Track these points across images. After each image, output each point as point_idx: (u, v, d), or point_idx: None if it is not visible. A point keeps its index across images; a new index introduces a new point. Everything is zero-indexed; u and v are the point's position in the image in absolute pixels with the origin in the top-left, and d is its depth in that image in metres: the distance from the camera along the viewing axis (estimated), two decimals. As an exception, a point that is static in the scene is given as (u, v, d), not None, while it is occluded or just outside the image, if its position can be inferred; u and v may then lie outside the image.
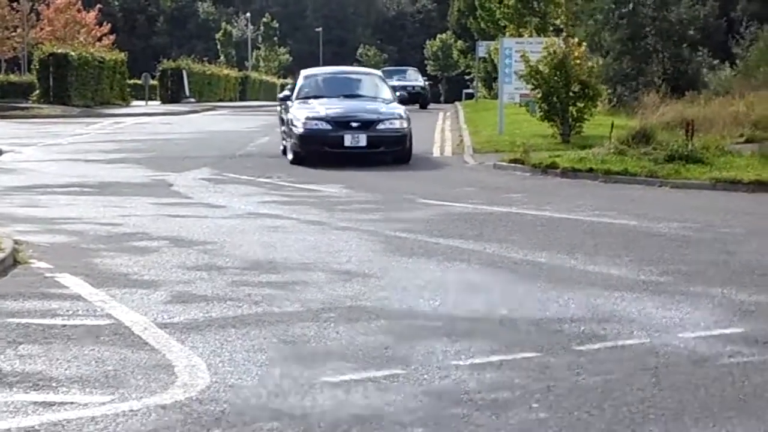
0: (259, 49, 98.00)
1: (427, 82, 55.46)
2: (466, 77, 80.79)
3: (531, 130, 29.25)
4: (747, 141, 23.76)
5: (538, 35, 36.52)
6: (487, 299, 8.95)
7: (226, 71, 74.04)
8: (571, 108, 27.40)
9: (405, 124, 22.61)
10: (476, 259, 11.18)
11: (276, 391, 6.15)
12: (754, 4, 48.84)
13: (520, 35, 37.60)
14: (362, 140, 21.66)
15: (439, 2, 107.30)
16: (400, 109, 23.62)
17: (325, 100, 23.47)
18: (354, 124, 21.89)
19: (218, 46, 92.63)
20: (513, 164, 23.85)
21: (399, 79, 52.82)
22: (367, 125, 21.95)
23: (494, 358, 6.93)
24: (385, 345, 7.32)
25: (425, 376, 6.52)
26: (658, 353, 7.15)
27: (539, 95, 27.75)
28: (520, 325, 7.95)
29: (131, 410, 5.79)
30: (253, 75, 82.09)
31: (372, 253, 11.63)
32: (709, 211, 15.97)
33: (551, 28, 38.57)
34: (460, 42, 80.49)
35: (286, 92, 25.58)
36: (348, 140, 21.63)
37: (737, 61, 43.82)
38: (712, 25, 49.56)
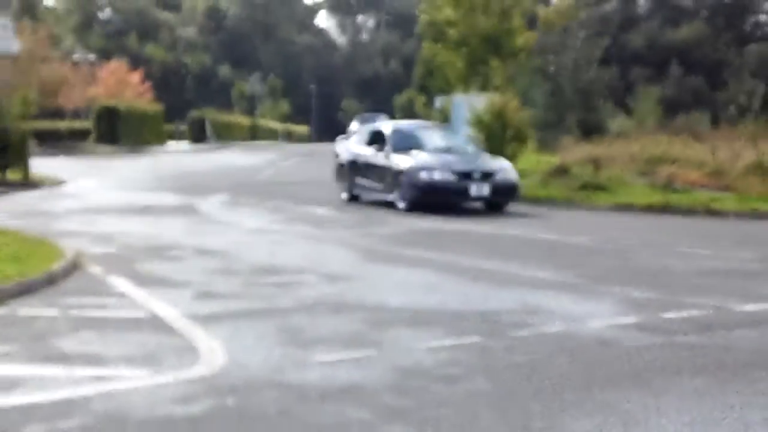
0: (265, 101, 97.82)
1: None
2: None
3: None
4: (640, 174, 23.83)
5: (481, 91, 36.60)
6: (442, 296, 8.95)
7: (239, 119, 73.91)
8: (507, 148, 27.46)
9: (516, 175, 19.23)
10: (434, 265, 11.17)
11: (277, 368, 6.13)
12: (646, 69, 49.29)
13: (467, 91, 37.69)
14: (485, 190, 18.27)
15: (406, 66, 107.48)
16: (506, 162, 19.95)
17: (428, 151, 19.37)
18: (476, 175, 18.37)
19: (234, 100, 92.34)
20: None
21: (372, 123, 52.72)
22: (487, 176, 18.42)
23: (447, 342, 6.92)
24: (362, 332, 7.30)
25: (393, 356, 6.51)
26: (573, 337, 7.16)
27: (482, 138, 27.81)
28: (468, 316, 7.95)
29: (166, 382, 5.76)
30: (261, 121, 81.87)
31: (353, 260, 11.61)
32: (612, 228, 16.03)
33: (492, 86, 38.62)
34: (421, 96, 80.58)
35: (357, 143, 21.28)
36: (473, 190, 18.21)
37: (633, 112, 44.13)
38: (615, 85, 49.89)
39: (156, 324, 7.53)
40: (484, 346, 6.85)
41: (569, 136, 37.08)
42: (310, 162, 40.66)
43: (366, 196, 20.39)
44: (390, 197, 19.03)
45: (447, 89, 48.20)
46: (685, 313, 8.11)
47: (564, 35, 44.27)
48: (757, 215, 18.38)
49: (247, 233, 14.78)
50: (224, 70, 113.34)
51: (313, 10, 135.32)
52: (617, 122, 42.53)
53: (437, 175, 18.22)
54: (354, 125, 52.59)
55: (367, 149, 20.37)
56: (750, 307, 8.45)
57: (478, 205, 19.21)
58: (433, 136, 20.74)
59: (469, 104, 30.11)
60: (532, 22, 41.42)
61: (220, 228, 15.47)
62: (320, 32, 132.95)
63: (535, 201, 21.06)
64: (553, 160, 28.35)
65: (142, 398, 5.43)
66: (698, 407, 5.32)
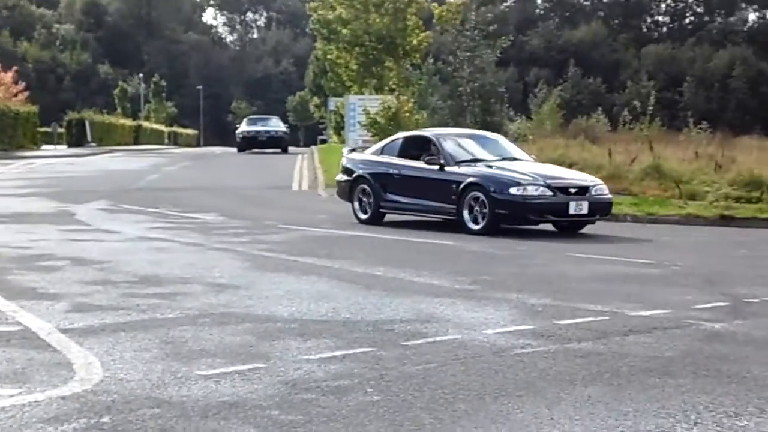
0: (149, 102, 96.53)
1: (287, 129, 54.89)
2: (320, 126, 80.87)
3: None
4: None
5: (376, 93, 36.78)
6: (333, 305, 8.94)
7: (122, 121, 72.78)
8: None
9: (608, 191, 16.82)
10: (326, 273, 11.18)
11: (158, 383, 6.05)
12: (544, 71, 50.17)
13: (362, 93, 37.84)
14: (584, 207, 15.73)
15: (298, 66, 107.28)
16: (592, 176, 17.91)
17: (489, 162, 16.85)
18: (572, 190, 15.84)
19: (116, 101, 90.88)
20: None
21: (263, 125, 52.33)
22: (583, 191, 15.91)
23: (338, 353, 6.93)
24: (249, 344, 7.25)
25: (282, 368, 6.48)
26: (467, 346, 7.24)
27: (377, 140, 27.98)
28: (360, 326, 7.96)
29: (36, 401, 5.62)
30: (145, 124, 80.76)
31: (241, 269, 11.54)
32: (510, 233, 16.26)
33: (386, 88, 38.88)
34: (315, 98, 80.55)
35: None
36: (573, 208, 15.63)
37: (532, 115, 44.82)
38: (513, 87, 50.63)
39: (26, 339, 7.35)
40: (377, 356, 6.87)
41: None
42: (198, 166, 40.28)
43: (403, 214, 17.78)
44: (449, 216, 16.53)
45: (341, 90, 48.42)
46: (580, 320, 8.27)
47: (460, 36, 44.76)
48: (653, 219, 18.87)
49: (127, 241, 14.54)
50: (105, 69, 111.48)
51: (199, 7, 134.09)
52: (516, 124, 43.14)
53: (532, 191, 15.60)
54: (243, 126, 52.25)
55: (404, 161, 17.62)
56: (645, 313, 8.67)
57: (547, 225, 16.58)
58: (484, 145, 17.94)
59: (364, 106, 30.27)
60: (429, 22, 41.80)
61: (99, 236, 15.19)
62: (207, 30, 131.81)
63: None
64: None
65: (9, 418, 5.29)
66: (591, 415, 5.43)
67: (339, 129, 57.85)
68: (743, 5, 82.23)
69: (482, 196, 15.77)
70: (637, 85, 69.53)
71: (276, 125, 52.49)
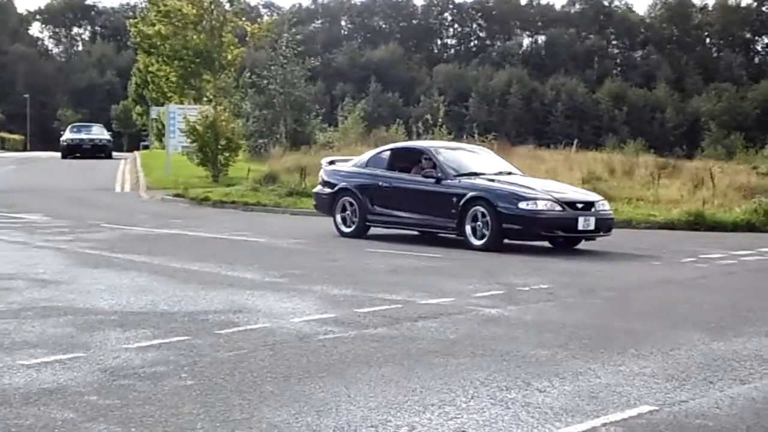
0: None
1: (110, 136, 53.04)
2: (143, 132, 78.86)
3: (190, 172, 28.93)
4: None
5: (195, 103, 36.23)
6: (152, 298, 8.75)
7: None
8: (219, 156, 27.41)
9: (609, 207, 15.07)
10: (145, 268, 10.93)
11: (-19, 374, 5.77)
12: (348, 85, 50.76)
13: (182, 103, 37.19)
14: (591, 223, 13.93)
15: (122, 76, 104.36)
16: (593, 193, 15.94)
17: (487, 176, 14.69)
18: (580, 206, 14.01)
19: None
20: (176, 198, 23.54)
21: (86, 133, 50.50)
22: (589, 206, 14.11)
23: (155, 342, 6.78)
24: (71, 335, 7.01)
25: (101, 357, 6.30)
26: (275, 333, 7.23)
27: (196, 147, 27.62)
28: (176, 317, 7.83)
29: None
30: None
31: (64, 265, 11.13)
32: (318, 230, 16.33)
33: (205, 99, 38.31)
34: (138, 107, 78.45)
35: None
36: (581, 223, 13.80)
37: (338, 125, 45.18)
38: (321, 100, 50.87)
39: None
40: (191, 344, 6.77)
41: (278, 146, 37.39)
42: (25, 170, 38.60)
43: (394, 228, 15.65)
44: (449, 232, 14.57)
45: (162, 100, 47.40)
46: (377, 308, 8.39)
47: (273, 53, 44.70)
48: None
49: (-46, 240, 13.80)
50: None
51: (26, 20, 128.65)
52: (324, 134, 43.38)
53: (541, 206, 13.71)
54: (68, 134, 50.27)
55: (394, 173, 15.54)
56: (433, 301, 8.88)
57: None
58: (476, 159, 15.96)
59: (184, 115, 29.76)
60: (243, 39, 41.53)
61: (-75, 236, 14.35)
62: (34, 42, 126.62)
63: (246, 206, 21.10)
64: (263, 168, 28.47)
65: None
66: (384, 393, 5.53)
67: (160, 136, 56.57)
68: (518, 31, 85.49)
69: (486, 211, 13.81)
70: (430, 100, 71.19)
71: (99, 133, 50.67)
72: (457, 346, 6.91)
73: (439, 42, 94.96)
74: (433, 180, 14.77)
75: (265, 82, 43.18)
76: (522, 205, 13.68)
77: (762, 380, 6.04)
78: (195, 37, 37.66)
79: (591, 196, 14.72)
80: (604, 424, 4.94)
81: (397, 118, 49.46)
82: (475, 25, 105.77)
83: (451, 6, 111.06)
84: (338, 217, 15.91)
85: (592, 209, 14.09)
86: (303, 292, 9.30)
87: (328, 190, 16.30)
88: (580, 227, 13.81)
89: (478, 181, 14.45)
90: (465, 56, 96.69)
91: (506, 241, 13.97)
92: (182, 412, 5.05)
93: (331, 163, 17.08)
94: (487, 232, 13.84)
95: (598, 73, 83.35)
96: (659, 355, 6.76)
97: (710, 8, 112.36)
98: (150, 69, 44.57)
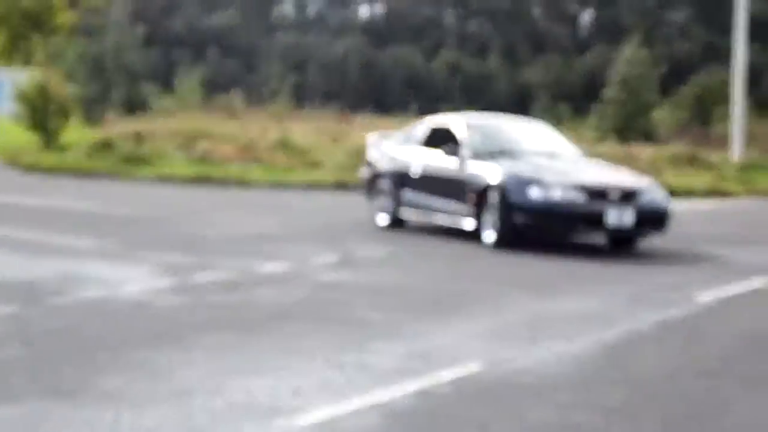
0: None
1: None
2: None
3: (20, 139, 27.72)
4: (180, 148, 23.75)
5: (25, 67, 34.78)
6: (-21, 268, 8.40)
7: None
8: (50, 122, 26.40)
9: (667, 196, 11.28)
10: (-28, 237, 10.45)
11: None
12: (187, 51, 49.94)
13: (10, 67, 35.63)
14: (627, 217, 10.43)
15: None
16: (648, 178, 12.12)
17: (525, 158, 11.60)
18: (613, 195, 10.53)
19: None
20: (8, 165, 22.62)
21: None
22: (629, 196, 10.60)
23: (-18, 313, 6.52)
24: None
25: (-76, 329, 6.01)
26: (109, 302, 7.06)
27: (25, 111, 26.54)
28: (5, 286, 7.54)
29: None
30: None
31: None
32: (152, 198, 16.00)
33: (35, 62, 36.77)
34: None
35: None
36: (612, 217, 10.35)
37: (176, 92, 44.27)
38: (159, 64, 49.71)
39: None
40: (21, 314, 6.55)
41: (114, 112, 36.33)
42: None
43: (424, 219, 12.36)
44: (466, 224, 11.24)
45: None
46: (214, 275, 8.32)
47: (107, 17, 43.33)
48: (281, 185, 19.25)
49: None
50: None
51: None
52: (161, 101, 42.36)
53: (557, 193, 10.41)
54: None
55: (425, 153, 12.40)
56: (269, 267, 8.86)
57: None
58: (525, 135, 12.68)
59: (13, 80, 28.53)
60: (75, 2, 40.02)
61: None
62: None
63: (79, 173, 20.42)
64: (98, 134, 27.57)
65: None
66: (221, 358, 5.50)
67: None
68: (357, 0, 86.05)
69: (498, 200, 10.71)
70: (270, 68, 70.55)
71: None
72: (294, 312, 6.95)
73: (276, 10, 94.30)
74: (456, 161, 11.67)
75: (97, 46, 41.84)
76: (532, 192, 10.46)
77: (585, 337, 6.34)
78: (24, -1, 36.23)
79: (636, 184, 11.01)
80: (434, 384, 5.08)
81: (237, 85, 48.80)
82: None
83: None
84: (374, 204, 13.06)
85: (633, 200, 10.58)
86: (139, 259, 9.11)
87: (368, 170, 13.42)
88: (610, 222, 10.37)
89: (495, 162, 11.19)
90: (303, 26, 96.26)
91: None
92: (12, 383, 4.89)
93: (380, 139, 13.86)
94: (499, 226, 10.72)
95: (435, 43, 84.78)
96: (489, 315, 7.00)
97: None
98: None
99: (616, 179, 11.05)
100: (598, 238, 11.11)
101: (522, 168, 11.03)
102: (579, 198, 10.41)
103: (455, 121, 12.47)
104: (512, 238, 10.62)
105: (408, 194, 12.38)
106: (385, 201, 12.69)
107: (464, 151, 11.61)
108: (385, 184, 12.74)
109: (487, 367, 5.46)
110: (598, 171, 11.49)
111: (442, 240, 11.56)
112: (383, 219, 12.64)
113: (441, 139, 12.19)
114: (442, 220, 11.81)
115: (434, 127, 12.67)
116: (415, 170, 12.36)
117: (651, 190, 10.98)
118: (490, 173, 10.94)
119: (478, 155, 11.49)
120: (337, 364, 5.44)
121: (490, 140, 12.00)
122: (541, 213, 10.48)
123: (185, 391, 4.82)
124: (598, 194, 10.48)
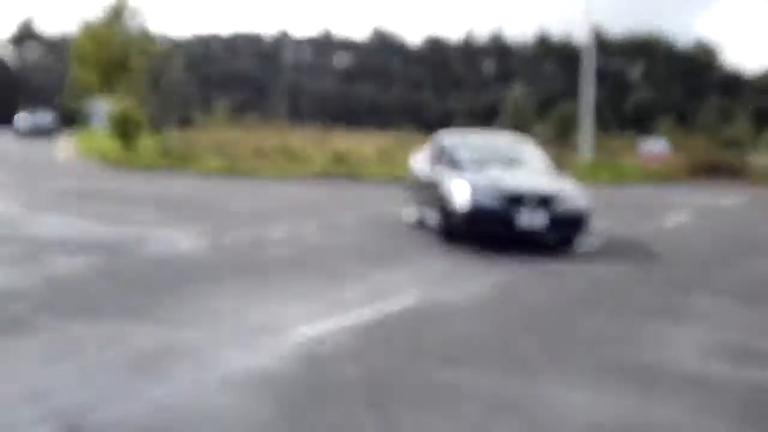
0: None
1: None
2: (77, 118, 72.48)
3: (109, 145, 27.21)
4: (213, 151, 23.28)
5: (112, 97, 34.08)
6: (79, 233, 8.20)
7: None
8: (129, 133, 25.97)
9: (585, 201, 8.83)
10: (80, 213, 10.22)
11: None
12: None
13: (103, 97, 34.97)
14: (539, 220, 8.48)
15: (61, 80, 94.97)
16: (572, 183, 9.27)
17: (491, 168, 9.34)
18: (529, 200, 8.47)
19: None
20: (101, 162, 22.15)
21: (39, 117, 45.17)
22: (545, 201, 8.48)
23: (80, 258, 6.41)
24: (22, 254, 6.52)
25: (46, 269, 5.88)
26: (167, 254, 6.96)
27: (114, 126, 26.22)
28: (96, 244, 7.41)
29: None
30: None
31: (18, 210, 10.27)
32: (196, 185, 15.65)
33: (119, 93, 36.06)
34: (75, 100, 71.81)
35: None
36: (523, 220, 8.45)
37: (211, 113, 43.40)
38: (201, 95, 48.63)
39: None
40: (109, 261, 6.47)
41: (171, 127, 35.71)
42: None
43: (427, 221, 9.83)
44: (432, 221, 9.47)
45: (88, 95, 44.23)
46: (239, 237, 8.19)
47: (168, 61, 42.68)
48: (282, 177, 18.92)
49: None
50: None
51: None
52: (202, 120, 41.63)
53: (479, 198, 8.51)
54: (22, 117, 45.15)
55: (426, 165, 10.37)
56: (277, 233, 8.69)
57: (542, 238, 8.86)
58: (502, 149, 10.37)
59: (106, 106, 28.15)
60: (146, 51, 39.25)
61: None
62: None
63: (148, 168, 20.07)
64: (160, 142, 27.12)
65: None
66: (244, 294, 5.46)
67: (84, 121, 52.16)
68: (336, 53, 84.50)
69: (444, 203, 8.95)
70: (275, 98, 69.50)
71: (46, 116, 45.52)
72: (294, 263, 6.88)
73: (282, 58, 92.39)
74: (432, 171, 9.91)
75: (163, 81, 41.18)
76: (459, 198, 8.64)
77: (482, 280, 6.40)
78: (110, 51, 35.74)
79: (554, 189, 8.73)
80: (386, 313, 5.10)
81: (253, 110, 48.10)
82: None
83: None
84: (411, 206, 10.73)
85: (548, 205, 8.50)
86: (187, 227, 8.83)
87: (409, 178, 11.18)
88: (521, 224, 8.37)
89: (454, 171, 9.30)
90: (299, 69, 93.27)
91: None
92: (101, 307, 4.84)
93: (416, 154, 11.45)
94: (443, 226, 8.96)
95: (387, 81, 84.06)
96: (412, 270, 7.00)
97: None
98: (79, 74, 41.35)
99: (537, 187, 8.65)
100: (513, 237, 8.54)
101: (463, 177, 8.92)
102: (497, 203, 8.41)
103: (449, 138, 10.44)
104: (453, 233, 8.72)
105: (420, 199, 10.22)
106: (414, 205, 10.52)
107: (442, 162, 9.78)
108: (411, 190, 10.81)
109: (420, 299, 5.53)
110: (529, 180, 8.98)
111: (412, 229, 9.86)
112: (413, 218, 10.47)
113: (439, 152, 10.18)
114: (432, 222, 9.50)
115: (437, 143, 10.49)
116: (419, 179, 10.40)
117: (570, 197, 8.65)
118: (444, 182, 9.08)
119: (455, 165, 9.48)
120: (323, 298, 5.47)
121: (470, 153, 9.86)
122: (468, 215, 8.46)
123: (217, 313, 4.84)
124: (515, 200, 8.41)
